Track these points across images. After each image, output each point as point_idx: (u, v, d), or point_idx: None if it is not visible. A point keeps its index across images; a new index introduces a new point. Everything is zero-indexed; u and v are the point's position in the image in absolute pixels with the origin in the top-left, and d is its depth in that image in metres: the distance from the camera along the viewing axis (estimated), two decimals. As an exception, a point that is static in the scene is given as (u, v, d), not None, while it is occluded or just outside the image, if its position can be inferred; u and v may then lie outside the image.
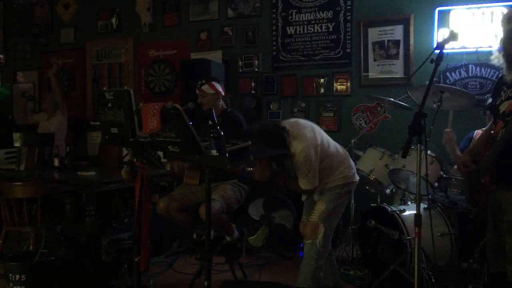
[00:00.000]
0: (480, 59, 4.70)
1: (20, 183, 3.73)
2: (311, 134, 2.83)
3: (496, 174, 2.42)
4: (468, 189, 2.73)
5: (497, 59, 2.44)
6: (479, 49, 4.68)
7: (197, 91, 3.64)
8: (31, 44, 7.07)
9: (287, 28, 5.58)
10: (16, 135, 5.20)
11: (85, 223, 3.80)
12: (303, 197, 3.14)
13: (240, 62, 5.76)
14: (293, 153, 2.73)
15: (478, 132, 4.07)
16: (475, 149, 2.65)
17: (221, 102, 3.70)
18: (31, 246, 3.70)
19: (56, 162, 4.60)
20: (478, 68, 4.77)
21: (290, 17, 5.56)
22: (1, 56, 7.28)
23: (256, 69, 5.71)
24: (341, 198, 2.95)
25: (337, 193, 2.92)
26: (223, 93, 3.70)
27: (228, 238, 3.61)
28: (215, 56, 5.66)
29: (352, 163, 3.08)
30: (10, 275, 3.19)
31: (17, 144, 5.14)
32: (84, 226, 3.82)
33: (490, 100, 3.96)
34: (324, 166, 2.87)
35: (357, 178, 3.06)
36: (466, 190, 2.89)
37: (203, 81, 3.67)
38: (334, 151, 2.95)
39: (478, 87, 4.76)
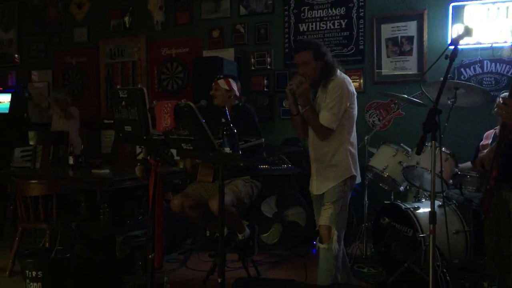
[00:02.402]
0: (495, 55, 4.65)
1: (36, 181, 3.78)
2: (352, 86, 2.94)
3: (505, 172, 2.32)
4: (484, 188, 2.64)
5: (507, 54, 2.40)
6: (494, 45, 4.63)
7: (213, 84, 3.66)
8: (45, 44, 7.14)
9: (300, 25, 5.56)
10: (31, 134, 5.27)
11: (100, 221, 3.84)
12: (311, 186, 3.09)
13: (252, 60, 5.76)
14: (331, 79, 2.85)
15: (488, 133, 4.01)
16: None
17: (233, 100, 3.67)
18: (47, 243, 3.75)
19: (71, 160, 4.64)
20: (493, 64, 4.71)
21: (303, 14, 5.54)
22: (16, 55, 7.37)
23: (268, 67, 5.71)
24: (346, 196, 2.92)
25: (340, 191, 2.89)
26: (237, 93, 3.66)
27: (240, 236, 3.60)
28: (227, 54, 5.66)
29: (357, 163, 3.03)
30: (27, 271, 3.23)
31: (32, 143, 5.21)
32: (98, 223, 3.86)
33: (499, 99, 3.91)
34: (340, 126, 2.89)
35: (355, 172, 2.98)
36: (483, 189, 2.81)
37: (221, 76, 3.69)
38: (353, 131, 2.99)
39: (493, 83, 4.71)
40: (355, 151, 3.00)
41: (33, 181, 3.77)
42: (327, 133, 2.86)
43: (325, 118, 2.83)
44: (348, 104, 2.87)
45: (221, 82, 3.62)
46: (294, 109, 2.94)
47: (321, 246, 2.86)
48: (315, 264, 2.97)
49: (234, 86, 3.65)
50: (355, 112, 2.98)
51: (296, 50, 2.96)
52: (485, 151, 2.54)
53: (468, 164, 3.95)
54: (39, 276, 3.21)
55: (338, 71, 2.92)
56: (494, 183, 2.33)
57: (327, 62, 2.89)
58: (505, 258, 2.33)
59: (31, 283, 3.23)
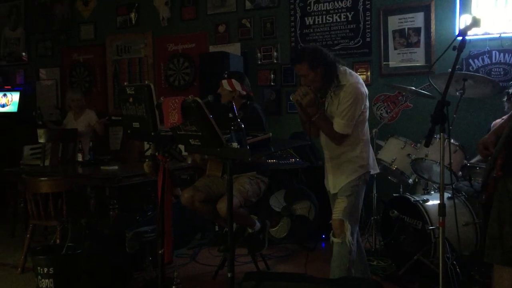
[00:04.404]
0: (504, 45, 4.60)
1: (46, 178, 3.80)
2: (364, 86, 2.87)
3: (509, 160, 2.27)
4: (486, 173, 2.54)
5: None
6: (503, 35, 4.58)
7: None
8: (52, 41, 7.17)
9: (306, 18, 5.54)
10: (40, 131, 5.30)
11: (109, 217, 3.86)
12: (326, 185, 3.09)
13: (258, 54, 5.75)
14: (342, 84, 2.78)
15: (496, 123, 3.97)
16: (501, 130, 2.42)
17: (239, 99, 3.58)
18: (57, 240, 3.78)
19: (80, 157, 4.67)
20: (501, 54, 4.67)
21: (309, 7, 5.52)
22: (24, 53, 7.41)
23: (275, 61, 5.69)
24: (360, 190, 2.92)
25: (355, 185, 2.89)
26: (242, 92, 3.57)
27: (250, 230, 3.62)
28: (234, 49, 5.66)
29: (372, 154, 3.03)
30: (38, 268, 3.26)
31: (41, 140, 5.24)
32: (108, 219, 3.89)
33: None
34: (354, 128, 2.85)
35: (371, 169, 2.98)
36: (484, 174, 2.76)
37: (225, 75, 3.62)
38: (366, 125, 2.96)
39: (502, 73, 4.67)
40: (369, 147, 2.99)
41: (43, 179, 3.80)
42: (342, 139, 2.85)
43: (339, 125, 2.80)
44: (362, 107, 2.84)
45: (224, 83, 3.54)
46: (303, 116, 2.91)
47: (335, 240, 2.85)
48: (320, 257, 2.97)
49: (238, 87, 3.55)
50: (367, 112, 2.95)
51: (291, 62, 2.92)
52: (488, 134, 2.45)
53: (479, 158, 3.92)
54: (50, 272, 3.24)
55: (352, 77, 2.84)
56: (501, 173, 2.29)
57: (328, 67, 2.80)
58: (510, 250, 2.27)
59: (43, 280, 3.26)
